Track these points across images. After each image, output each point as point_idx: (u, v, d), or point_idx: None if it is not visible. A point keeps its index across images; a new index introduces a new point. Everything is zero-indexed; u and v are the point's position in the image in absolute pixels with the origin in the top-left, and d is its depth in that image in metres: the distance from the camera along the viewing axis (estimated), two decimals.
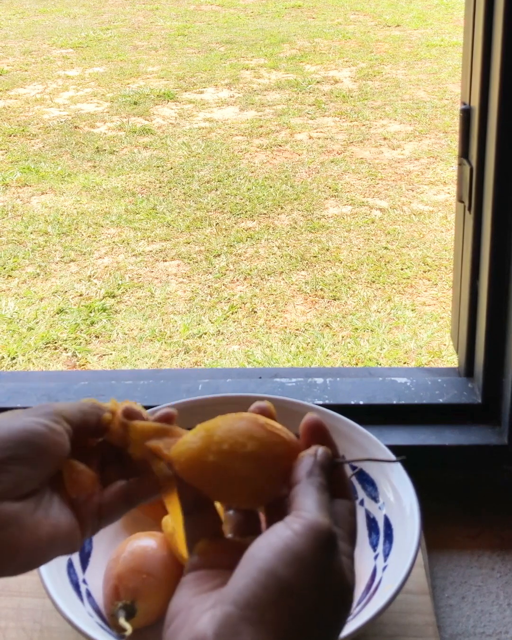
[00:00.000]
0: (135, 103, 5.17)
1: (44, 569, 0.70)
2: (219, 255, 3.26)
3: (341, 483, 0.48)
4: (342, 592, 0.42)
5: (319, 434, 0.48)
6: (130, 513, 0.82)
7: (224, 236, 3.43)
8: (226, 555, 0.46)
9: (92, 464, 0.52)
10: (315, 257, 3.22)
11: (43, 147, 4.51)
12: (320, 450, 0.47)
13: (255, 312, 2.86)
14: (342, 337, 2.68)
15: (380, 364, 2.51)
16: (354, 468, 0.82)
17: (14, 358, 2.61)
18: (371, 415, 0.92)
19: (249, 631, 0.39)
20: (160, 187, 3.94)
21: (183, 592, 0.46)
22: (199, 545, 0.48)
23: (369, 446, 0.81)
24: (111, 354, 2.63)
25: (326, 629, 0.41)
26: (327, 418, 0.84)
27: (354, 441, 0.82)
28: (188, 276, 3.12)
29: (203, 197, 3.81)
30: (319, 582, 0.41)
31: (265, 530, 0.43)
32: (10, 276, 3.15)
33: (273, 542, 0.41)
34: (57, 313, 2.87)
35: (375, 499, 0.79)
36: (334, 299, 2.92)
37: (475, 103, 0.84)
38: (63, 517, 0.48)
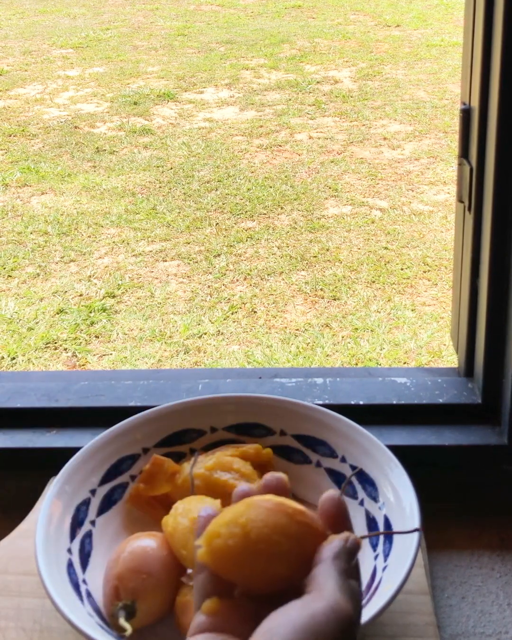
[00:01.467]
0: (135, 103, 5.17)
1: (44, 569, 0.70)
2: (219, 255, 3.26)
3: (354, 567, 0.48)
4: None
5: (341, 516, 0.49)
6: (130, 513, 0.82)
7: (224, 236, 3.43)
8: (235, 618, 0.45)
9: None
10: (315, 257, 3.22)
11: (43, 147, 4.51)
12: (351, 538, 0.47)
13: (255, 312, 2.86)
14: (342, 337, 2.68)
15: (380, 364, 2.51)
16: (354, 468, 0.82)
17: (14, 358, 2.61)
18: (371, 415, 0.92)
19: None
20: (160, 187, 3.94)
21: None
22: (209, 604, 0.46)
23: (369, 446, 0.81)
24: (111, 354, 2.63)
25: None
26: (327, 418, 0.84)
27: (354, 441, 0.82)
28: (188, 276, 3.12)
29: (203, 197, 3.81)
30: None
31: (281, 606, 0.43)
32: (10, 276, 3.15)
33: (294, 620, 0.41)
34: (57, 313, 2.87)
35: (375, 499, 0.79)
36: (334, 299, 2.92)
37: (475, 103, 0.84)
38: None
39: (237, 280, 3.08)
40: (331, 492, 0.49)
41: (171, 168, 4.17)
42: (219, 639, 0.45)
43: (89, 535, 0.78)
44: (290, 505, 0.48)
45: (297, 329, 2.73)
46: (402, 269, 3.11)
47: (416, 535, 0.71)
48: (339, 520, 0.48)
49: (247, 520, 0.46)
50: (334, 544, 0.46)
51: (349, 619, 0.42)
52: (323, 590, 0.43)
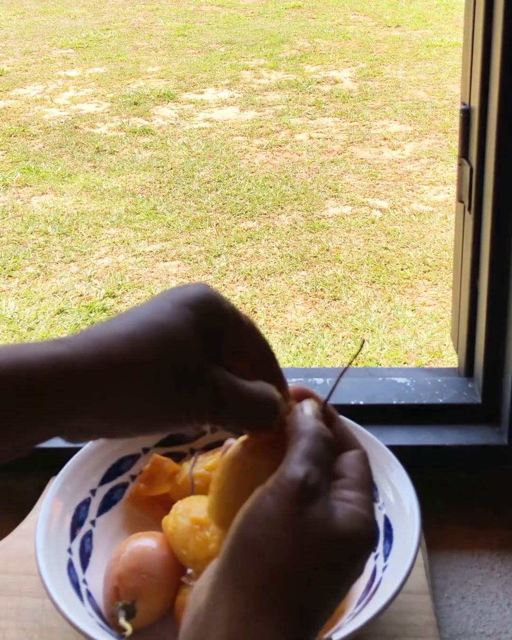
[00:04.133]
0: (135, 103, 5.17)
1: (44, 569, 0.70)
2: (219, 256, 3.26)
3: (344, 436, 0.47)
4: (328, 541, 0.39)
5: (303, 394, 0.48)
6: (130, 513, 0.82)
7: (224, 236, 3.43)
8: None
9: None
10: (315, 257, 3.22)
11: (43, 147, 4.51)
12: (304, 401, 0.47)
13: (255, 312, 2.86)
14: (342, 337, 2.68)
15: (380, 364, 2.51)
16: None
17: None
18: (371, 415, 0.92)
19: (227, 598, 0.39)
20: (160, 187, 3.94)
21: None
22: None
23: (369, 446, 0.81)
24: None
25: (312, 583, 0.39)
26: None
27: None
28: (188, 276, 3.12)
29: (203, 197, 3.81)
30: (287, 535, 0.39)
31: None
32: (11, 276, 3.15)
33: (246, 506, 0.41)
34: (58, 313, 2.87)
35: (375, 499, 0.79)
36: (334, 299, 2.92)
37: (475, 103, 0.84)
38: None
39: (238, 280, 3.08)
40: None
41: (171, 168, 4.17)
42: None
43: (89, 535, 0.78)
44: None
45: (297, 329, 2.73)
46: (402, 269, 3.11)
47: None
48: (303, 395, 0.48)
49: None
50: (296, 417, 0.45)
51: (296, 486, 0.40)
52: (282, 464, 0.42)
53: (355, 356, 0.56)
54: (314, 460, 0.42)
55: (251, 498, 0.41)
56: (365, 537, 0.41)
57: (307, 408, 0.47)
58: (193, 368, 0.42)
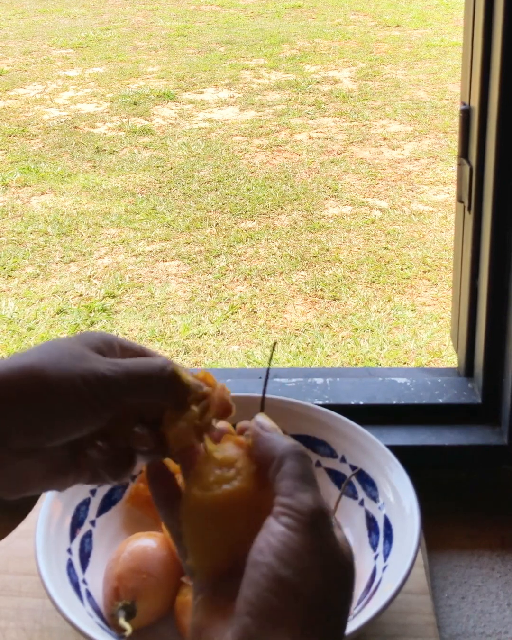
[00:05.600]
0: (135, 103, 5.17)
1: (44, 569, 0.70)
2: (219, 256, 3.26)
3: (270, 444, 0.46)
4: (342, 570, 0.42)
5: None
6: (130, 513, 0.82)
7: (224, 236, 3.43)
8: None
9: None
10: (315, 257, 3.22)
11: (43, 147, 4.51)
12: (257, 416, 0.47)
13: (255, 312, 2.86)
14: (342, 337, 2.68)
15: (380, 364, 2.51)
16: (354, 468, 0.82)
17: None
18: (371, 415, 0.92)
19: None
20: (160, 187, 3.94)
21: (199, 613, 0.45)
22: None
23: (369, 446, 0.81)
24: None
25: (338, 615, 0.42)
26: (327, 418, 0.84)
27: (354, 441, 0.82)
28: (188, 276, 3.12)
29: (203, 197, 3.81)
30: (321, 571, 0.41)
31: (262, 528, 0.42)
32: (10, 276, 3.15)
33: (272, 544, 0.41)
34: (57, 313, 2.87)
35: (375, 499, 0.79)
36: (334, 299, 2.92)
37: (475, 103, 0.84)
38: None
39: (237, 280, 3.08)
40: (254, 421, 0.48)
41: (171, 168, 4.17)
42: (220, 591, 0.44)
43: (89, 535, 0.78)
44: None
45: (297, 329, 2.73)
46: (402, 269, 3.11)
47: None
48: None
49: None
50: (259, 440, 0.46)
51: (315, 520, 0.41)
52: (281, 495, 0.42)
53: (270, 359, 0.57)
54: (310, 481, 0.43)
55: (270, 535, 0.41)
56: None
57: (266, 423, 0.47)
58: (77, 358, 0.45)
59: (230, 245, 3.34)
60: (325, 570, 0.41)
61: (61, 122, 4.90)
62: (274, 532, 0.41)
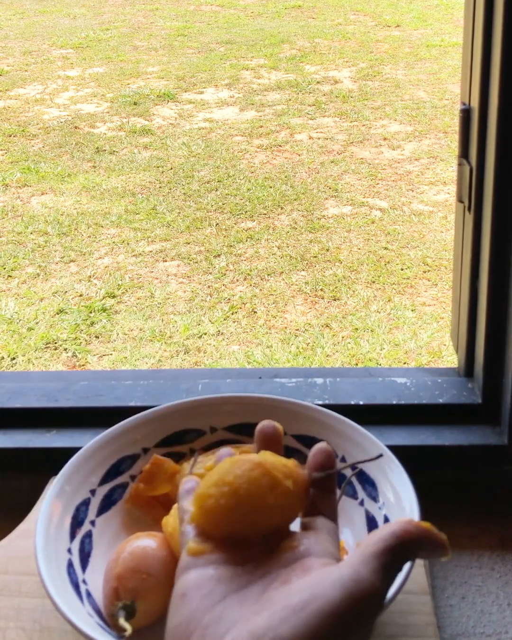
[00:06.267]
0: (135, 103, 5.17)
1: (43, 569, 0.70)
2: (219, 256, 3.26)
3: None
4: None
5: (328, 460, 0.54)
6: (130, 513, 0.82)
7: (224, 236, 3.43)
8: (220, 556, 0.47)
9: None
10: (315, 257, 3.22)
11: (43, 147, 4.51)
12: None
13: (255, 312, 2.86)
14: (342, 337, 2.68)
15: (380, 364, 2.51)
16: (354, 468, 0.82)
17: (14, 358, 2.61)
18: (371, 415, 0.92)
19: None
20: (160, 187, 3.94)
21: (194, 603, 0.45)
22: (193, 546, 0.48)
23: (369, 446, 0.81)
24: (111, 354, 2.63)
25: None
26: (327, 418, 0.84)
27: (354, 441, 0.82)
28: (188, 276, 3.12)
29: (203, 197, 3.81)
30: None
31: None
32: (10, 276, 3.15)
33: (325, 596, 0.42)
34: (57, 313, 2.87)
35: (375, 499, 0.79)
36: (334, 299, 2.92)
37: (475, 103, 0.84)
38: None
39: (237, 280, 3.08)
40: (321, 444, 0.54)
41: (171, 168, 4.17)
42: (210, 568, 0.46)
43: (89, 535, 0.78)
44: (270, 460, 0.50)
45: (297, 329, 2.73)
46: (402, 269, 3.11)
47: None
48: (327, 465, 0.53)
49: (235, 478, 0.49)
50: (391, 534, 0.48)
51: (377, 601, 0.44)
52: (355, 571, 0.44)
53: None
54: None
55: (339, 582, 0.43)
56: None
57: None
58: None
59: (231, 245, 3.34)
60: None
61: (61, 122, 4.90)
62: (345, 583, 0.43)
